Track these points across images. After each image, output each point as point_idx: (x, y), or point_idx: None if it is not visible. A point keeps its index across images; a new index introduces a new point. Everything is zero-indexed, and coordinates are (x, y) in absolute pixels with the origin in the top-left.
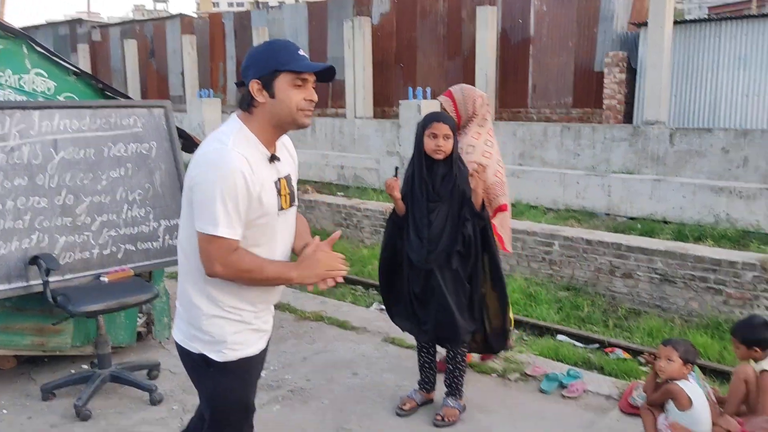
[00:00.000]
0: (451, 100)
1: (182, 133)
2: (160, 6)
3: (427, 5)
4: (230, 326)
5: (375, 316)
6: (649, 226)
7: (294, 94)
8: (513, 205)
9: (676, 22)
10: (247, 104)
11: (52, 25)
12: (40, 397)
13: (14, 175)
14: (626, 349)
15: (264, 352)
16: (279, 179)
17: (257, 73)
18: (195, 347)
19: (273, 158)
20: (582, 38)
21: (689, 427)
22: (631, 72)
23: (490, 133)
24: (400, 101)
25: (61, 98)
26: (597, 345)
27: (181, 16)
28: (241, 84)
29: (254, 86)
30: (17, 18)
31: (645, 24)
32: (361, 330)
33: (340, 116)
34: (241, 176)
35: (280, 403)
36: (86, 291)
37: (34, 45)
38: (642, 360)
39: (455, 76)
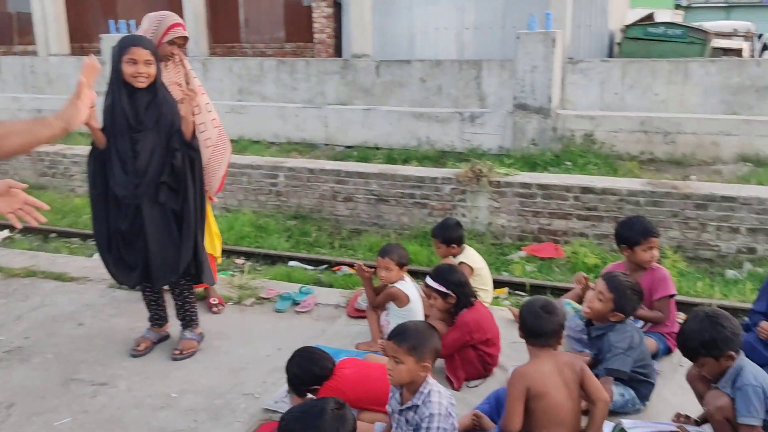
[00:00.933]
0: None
1: None
2: None
3: None
4: None
5: (96, 264)
6: (364, 153)
7: None
8: (236, 141)
9: None
10: None
11: None
12: None
13: None
14: (351, 266)
15: None
16: None
17: None
18: None
19: None
20: None
21: (407, 320)
22: (338, 6)
23: None
24: (102, 36)
25: None
26: (326, 266)
27: None
28: None
29: None
30: None
31: None
32: (83, 279)
33: (31, 54)
34: None
35: None
36: None
37: None
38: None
39: (161, 9)
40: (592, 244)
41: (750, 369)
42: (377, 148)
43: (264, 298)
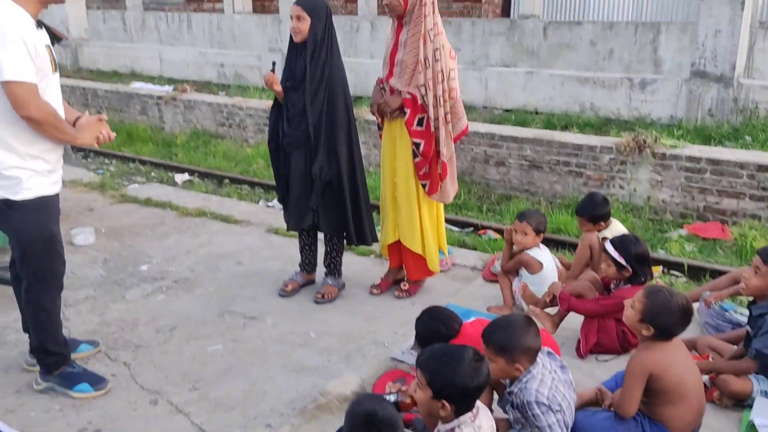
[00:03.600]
0: None
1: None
2: None
3: None
4: (26, 173)
5: (259, 210)
6: (522, 117)
7: None
8: None
9: None
10: None
11: None
12: None
13: None
14: (497, 230)
15: (58, 197)
16: (46, 45)
17: None
18: None
19: (39, 24)
20: None
21: (539, 286)
22: None
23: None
24: None
25: None
26: (471, 228)
27: None
28: None
29: None
30: None
31: None
32: (245, 223)
33: (218, 11)
34: (23, 29)
35: (165, 293)
36: None
37: None
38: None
39: None
40: (765, 227)
41: None
42: (536, 113)
43: None
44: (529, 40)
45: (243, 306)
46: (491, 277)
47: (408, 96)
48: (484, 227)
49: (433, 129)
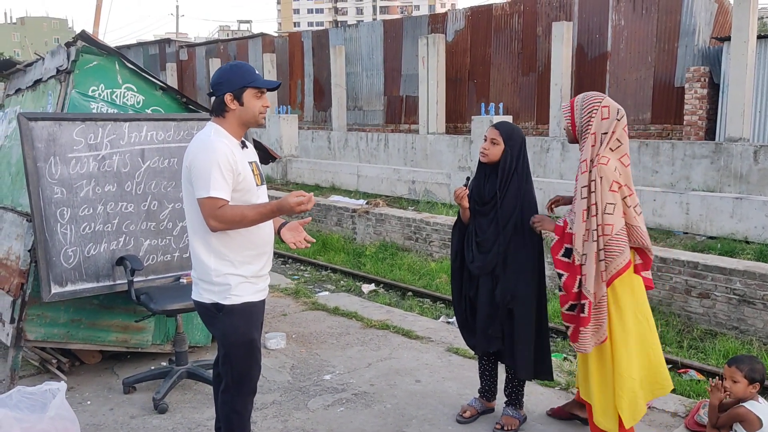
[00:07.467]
0: (570, 105)
1: (259, 146)
2: (244, 26)
3: (502, 21)
4: (235, 279)
5: (440, 326)
6: (730, 246)
7: (256, 103)
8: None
9: (760, 37)
10: (220, 111)
11: (143, 45)
12: (121, 390)
13: (105, 182)
14: (700, 371)
15: (263, 304)
16: (250, 162)
17: (230, 88)
18: (208, 298)
19: (243, 145)
20: (662, 53)
21: None
22: (714, 87)
23: (623, 160)
24: (473, 117)
25: (148, 111)
26: (670, 365)
27: (263, 35)
28: (212, 94)
29: (228, 98)
30: (109, 38)
31: (728, 38)
32: (426, 339)
33: (413, 132)
34: (224, 154)
35: (344, 406)
36: (167, 291)
37: (125, 62)
38: (709, 385)
39: (529, 92)
40: None
41: None
42: (746, 242)
43: None
44: (737, 163)
45: (419, 428)
46: (696, 428)
47: (560, 223)
48: (684, 366)
49: (577, 263)
